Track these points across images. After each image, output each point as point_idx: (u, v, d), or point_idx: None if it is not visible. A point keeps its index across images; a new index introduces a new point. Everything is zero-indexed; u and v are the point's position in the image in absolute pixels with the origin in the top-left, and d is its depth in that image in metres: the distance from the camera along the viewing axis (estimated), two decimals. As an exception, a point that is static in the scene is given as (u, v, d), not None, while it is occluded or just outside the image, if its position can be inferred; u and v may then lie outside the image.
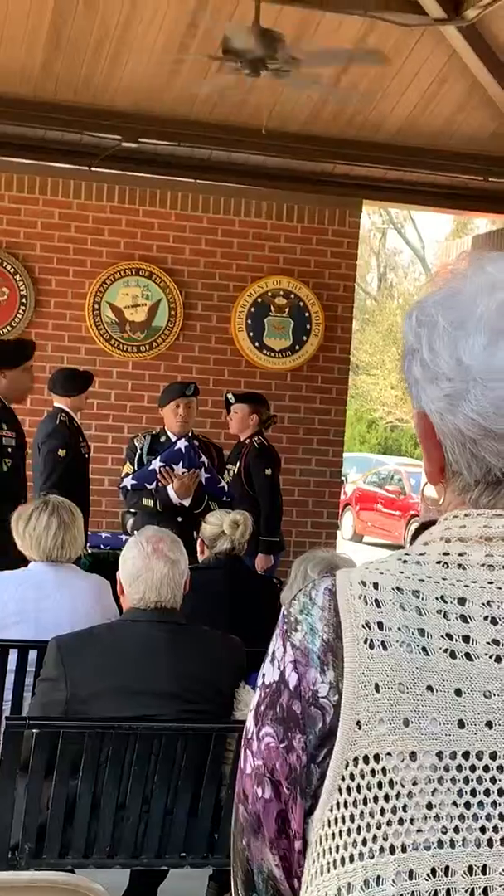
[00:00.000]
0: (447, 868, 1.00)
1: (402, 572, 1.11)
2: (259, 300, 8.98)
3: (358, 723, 1.04)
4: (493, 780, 1.03)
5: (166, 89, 7.93)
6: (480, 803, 1.02)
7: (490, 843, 1.01)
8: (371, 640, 1.06)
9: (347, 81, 7.64)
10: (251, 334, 8.98)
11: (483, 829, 1.02)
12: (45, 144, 8.50)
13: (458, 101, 8.16)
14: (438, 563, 1.11)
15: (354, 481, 21.77)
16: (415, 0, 7.08)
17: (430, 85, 8.00)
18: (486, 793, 1.02)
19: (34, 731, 3.15)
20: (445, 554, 1.11)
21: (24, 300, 8.56)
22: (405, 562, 1.12)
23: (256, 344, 8.97)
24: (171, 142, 8.39)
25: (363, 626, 1.07)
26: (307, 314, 9.04)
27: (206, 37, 6.98)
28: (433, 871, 1.00)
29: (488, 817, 1.02)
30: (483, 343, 1.11)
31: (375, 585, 1.09)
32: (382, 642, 1.06)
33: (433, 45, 7.63)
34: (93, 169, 8.53)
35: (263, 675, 1.13)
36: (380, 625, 1.07)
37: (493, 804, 1.02)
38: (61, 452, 6.91)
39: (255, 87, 7.43)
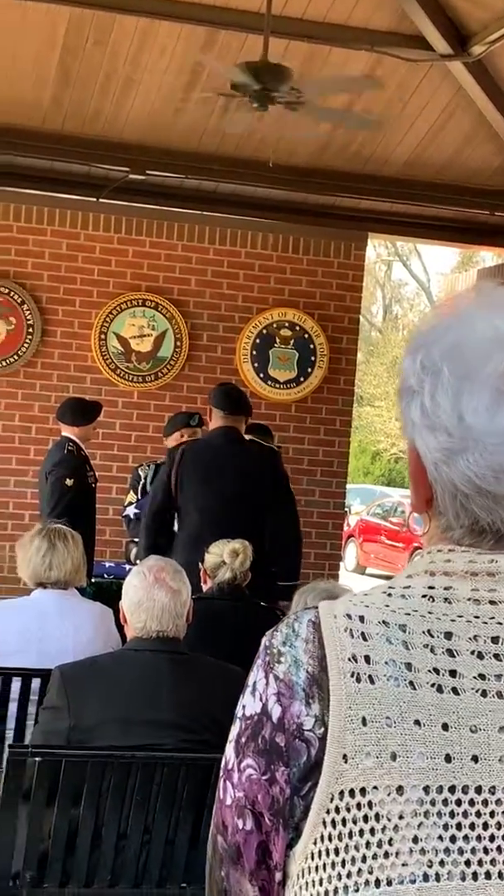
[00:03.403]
0: None
1: (387, 605, 1.11)
2: (264, 331, 9.02)
3: (344, 756, 1.04)
4: (478, 815, 1.03)
5: (174, 123, 8.00)
6: (466, 837, 1.03)
7: (475, 876, 1.02)
8: (358, 673, 1.06)
9: (355, 113, 7.69)
10: (256, 365, 9.01)
11: (468, 863, 1.03)
12: (53, 176, 8.57)
13: (464, 136, 8.22)
14: (424, 596, 1.11)
15: (358, 513, 21.76)
16: (421, 36, 7.15)
17: (437, 119, 8.06)
18: (472, 827, 1.03)
19: (36, 759, 3.15)
20: (431, 588, 1.11)
21: (30, 329, 8.61)
22: (390, 595, 1.12)
23: (261, 375, 9.00)
24: (178, 174, 8.46)
25: (350, 660, 1.07)
26: (312, 346, 9.08)
27: (214, 70, 7.04)
28: None
29: (473, 851, 1.03)
30: (486, 403, 1.11)
31: (361, 619, 1.09)
32: (370, 676, 1.06)
33: (440, 80, 7.70)
34: (100, 200, 8.60)
35: (243, 706, 1.13)
36: (367, 658, 1.07)
37: (479, 838, 1.03)
38: (68, 482, 6.93)
39: (262, 122, 7.50)
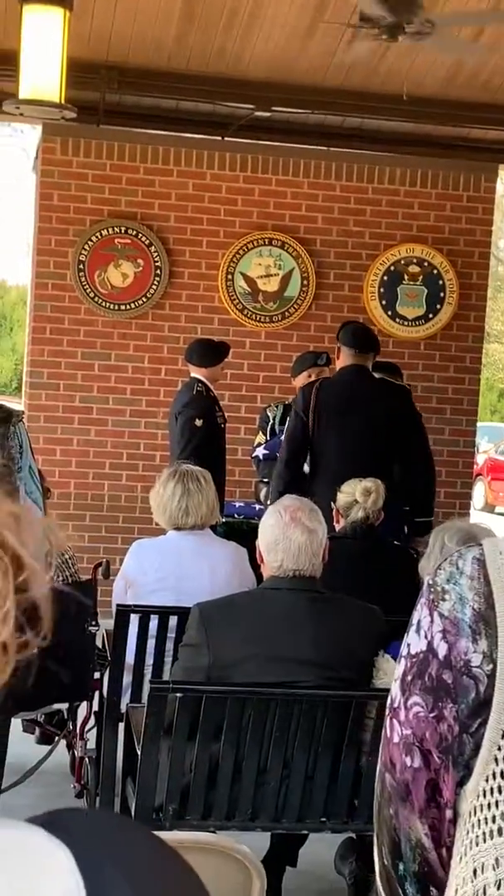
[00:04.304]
0: None
1: None
2: (392, 268, 8.90)
3: None
4: None
5: (299, 57, 7.89)
6: None
7: None
8: None
9: (484, 44, 7.49)
10: (384, 303, 8.91)
11: None
12: (178, 115, 8.54)
13: None
14: None
15: (486, 451, 21.51)
16: None
17: None
18: None
19: (177, 695, 3.21)
20: None
21: (158, 271, 8.65)
22: None
23: (389, 313, 8.90)
24: (303, 110, 8.36)
25: None
26: (441, 282, 8.94)
27: (340, 3, 6.91)
28: None
29: None
30: None
31: None
32: None
33: None
34: (226, 139, 8.55)
35: (408, 644, 1.12)
36: None
37: None
38: (198, 422, 6.97)
39: (389, 53, 7.35)
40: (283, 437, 7.02)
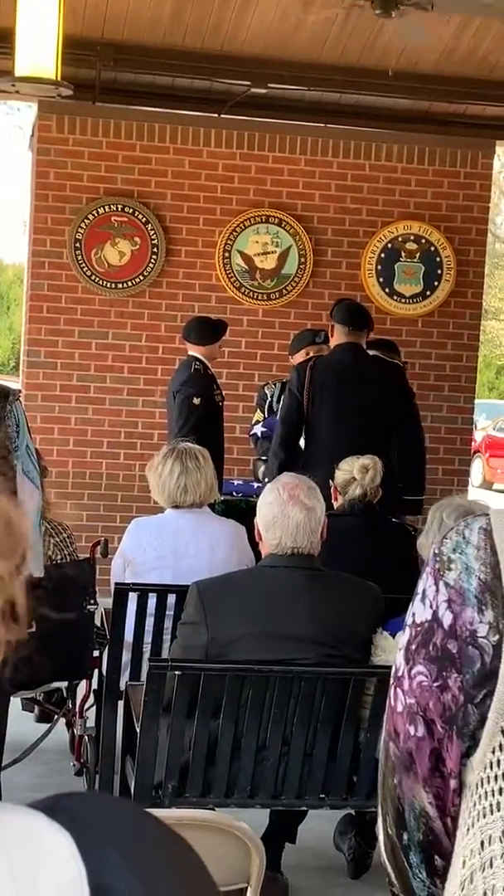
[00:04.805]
0: None
1: None
2: (389, 245, 8.88)
3: None
4: None
5: (295, 34, 7.85)
6: None
7: None
8: None
9: (481, 21, 7.46)
10: (381, 280, 8.89)
11: None
12: (174, 92, 8.50)
13: None
14: None
15: (484, 428, 21.51)
16: None
17: None
18: None
19: (176, 673, 3.22)
20: None
21: (155, 249, 8.62)
22: None
23: (387, 290, 8.88)
24: (300, 86, 8.32)
25: None
26: (438, 259, 8.91)
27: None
28: None
29: None
30: None
31: None
32: None
33: None
34: (222, 116, 8.50)
35: (413, 613, 1.12)
36: None
37: None
38: (196, 400, 6.96)
39: (385, 29, 7.31)
40: (278, 416, 7.02)
